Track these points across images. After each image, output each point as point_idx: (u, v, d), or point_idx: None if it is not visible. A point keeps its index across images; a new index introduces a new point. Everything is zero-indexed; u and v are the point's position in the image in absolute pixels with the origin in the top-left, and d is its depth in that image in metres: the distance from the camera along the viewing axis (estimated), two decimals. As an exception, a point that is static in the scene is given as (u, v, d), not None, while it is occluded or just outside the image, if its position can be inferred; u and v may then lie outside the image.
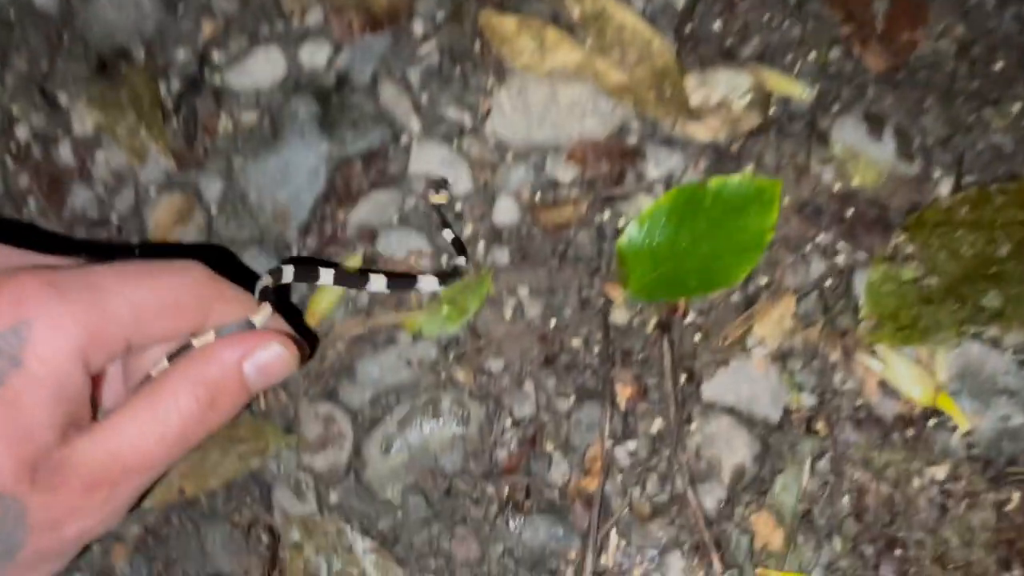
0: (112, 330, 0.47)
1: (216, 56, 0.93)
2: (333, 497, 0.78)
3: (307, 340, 0.64)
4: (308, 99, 0.89)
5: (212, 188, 0.86)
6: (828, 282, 0.83)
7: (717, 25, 0.94)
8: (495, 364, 0.81)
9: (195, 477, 0.77)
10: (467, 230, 0.86)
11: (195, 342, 0.54)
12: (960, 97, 0.90)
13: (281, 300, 0.77)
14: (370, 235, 0.86)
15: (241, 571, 0.75)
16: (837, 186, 0.87)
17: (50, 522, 0.46)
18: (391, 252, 0.85)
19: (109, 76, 0.90)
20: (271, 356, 0.53)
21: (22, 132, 0.88)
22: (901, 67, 0.92)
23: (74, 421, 0.47)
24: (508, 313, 0.83)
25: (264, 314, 0.58)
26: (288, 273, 0.68)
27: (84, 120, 0.89)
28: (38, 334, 0.44)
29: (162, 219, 0.85)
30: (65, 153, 0.88)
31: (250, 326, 0.56)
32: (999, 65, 0.92)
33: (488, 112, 0.90)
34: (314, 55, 0.92)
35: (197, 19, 0.94)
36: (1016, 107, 0.90)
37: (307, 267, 0.72)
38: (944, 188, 0.86)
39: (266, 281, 0.63)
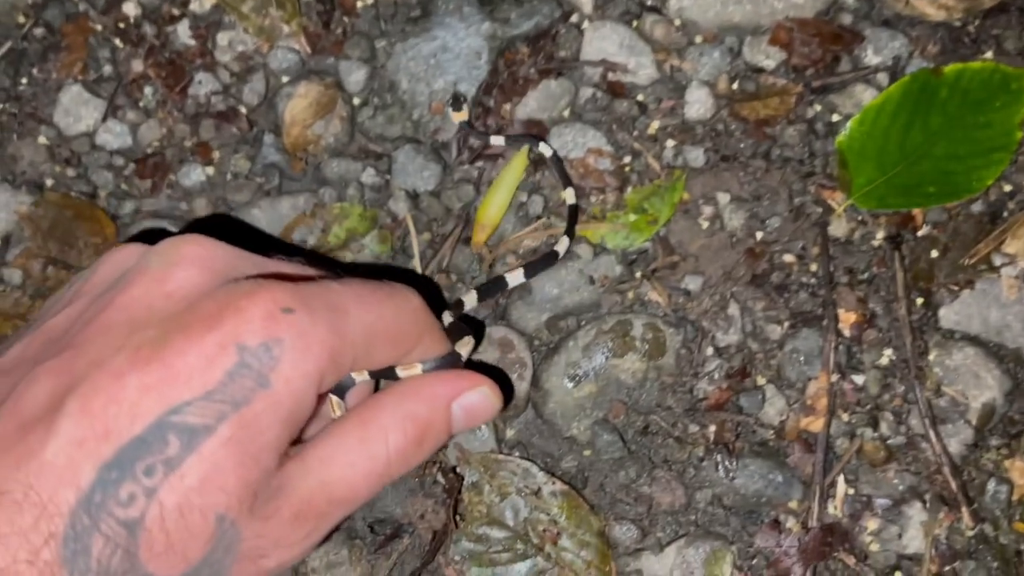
0: (348, 353, 0.45)
1: (348, -81, 0.78)
2: (510, 433, 0.68)
3: (502, 383, 0.58)
4: (461, -31, 0.75)
5: (355, 76, 0.74)
6: (1091, 190, 0.70)
7: None
8: (692, 282, 0.69)
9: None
10: (654, 125, 0.73)
11: (400, 372, 0.51)
12: None
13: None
14: (540, 131, 0.73)
15: (416, 515, 0.66)
16: (1099, 75, 0.72)
17: (257, 551, 0.43)
18: (566, 151, 0.72)
19: (228, -57, 0.76)
20: (479, 399, 0.51)
21: (130, 8, 0.76)
22: None
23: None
24: (705, 223, 0.71)
25: (469, 346, 0.55)
26: (471, 299, 0.67)
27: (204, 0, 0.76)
28: (287, 355, 0.41)
29: (298, 112, 0.73)
30: (183, 33, 0.75)
31: (456, 359, 0.54)
32: None
33: (672, -15, 0.76)
34: (463, -80, 0.78)
35: None
36: None
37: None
38: None
39: (449, 317, 0.62)
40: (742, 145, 0.73)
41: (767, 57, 0.75)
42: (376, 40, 0.76)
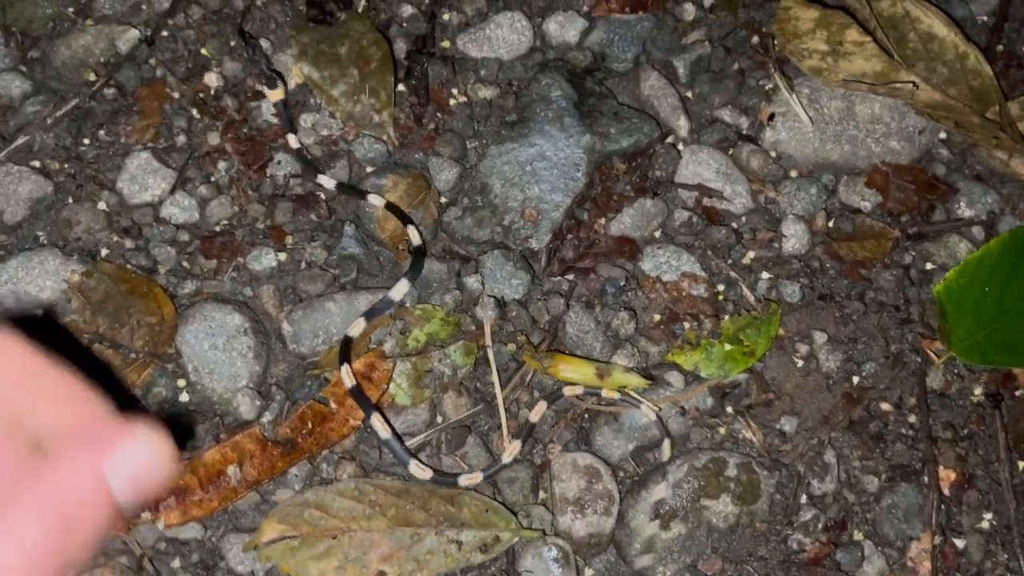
0: None
1: (447, 16, 0.77)
2: (590, 573, 0.62)
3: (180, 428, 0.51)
4: (560, 79, 0.74)
5: (445, 174, 0.71)
6: None
7: (1027, 47, 0.81)
8: (788, 424, 0.66)
9: (399, 561, 0.60)
10: (749, 255, 0.71)
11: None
12: None
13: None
14: (631, 251, 0.70)
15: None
16: None
17: None
18: (658, 272, 0.69)
19: (322, 23, 0.74)
20: (143, 456, 0.38)
21: (212, 79, 0.72)
22: None
23: None
24: (800, 361, 0.69)
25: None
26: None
27: (290, 73, 0.73)
28: None
29: (383, 206, 0.69)
30: (265, 110, 0.72)
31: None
32: None
33: (770, 119, 0.75)
34: (564, 28, 0.78)
35: (424, -30, 0.79)
36: None
37: None
38: None
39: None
40: (837, 285, 0.71)
41: (863, 199, 0.75)
42: (468, 140, 0.73)
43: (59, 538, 0.38)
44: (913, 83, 0.75)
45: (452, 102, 0.76)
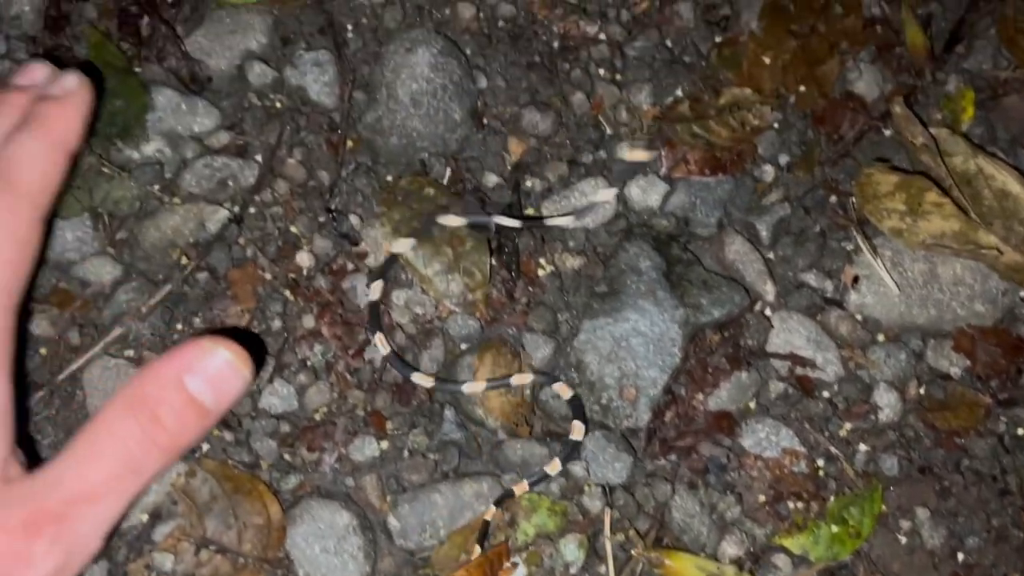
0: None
1: (530, 182, 0.78)
2: None
3: (254, 348, 0.58)
4: (647, 247, 0.75)
5: (541, 351, 0.71)
6: None
7: (1096, 200, 0.82)
8: (897, 606, 0.66)
9: None
10: (846, 427, 0.72)
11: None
12: None
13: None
14: (728, 425, 0.70)
15: None
16: None
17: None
18: (759, 450, 0.69)
19: (411, 199, 0.74)
20: (217, 365, 0.48)
21: (304, 258, 0.72)
22: None
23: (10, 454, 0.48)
24: (903, 538, 0.70)
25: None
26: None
27: (380, 251, 0.73)
28: None
29: (482, 385, 0.69)
30: (360, 290, 0.71)
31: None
32: None
33: (855, 282, 0.76)
34: (646, 193, 0.79)
35: (505, 136, 0.79)
36: None
37: None
38: None
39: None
40: (934, 455, 0.72)
41: (952, 363, 0.75)
42: (559, 312, 0.73)
43: (147, 427, 0.47)
44: (994, 248, 0.76)
45: (541, 273, 0.76)
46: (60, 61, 0.70)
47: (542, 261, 0.77)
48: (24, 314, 0.59)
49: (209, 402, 0.49)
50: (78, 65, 0.66)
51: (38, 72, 0.62)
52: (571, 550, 0.66)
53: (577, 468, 0.69)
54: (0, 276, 0.51)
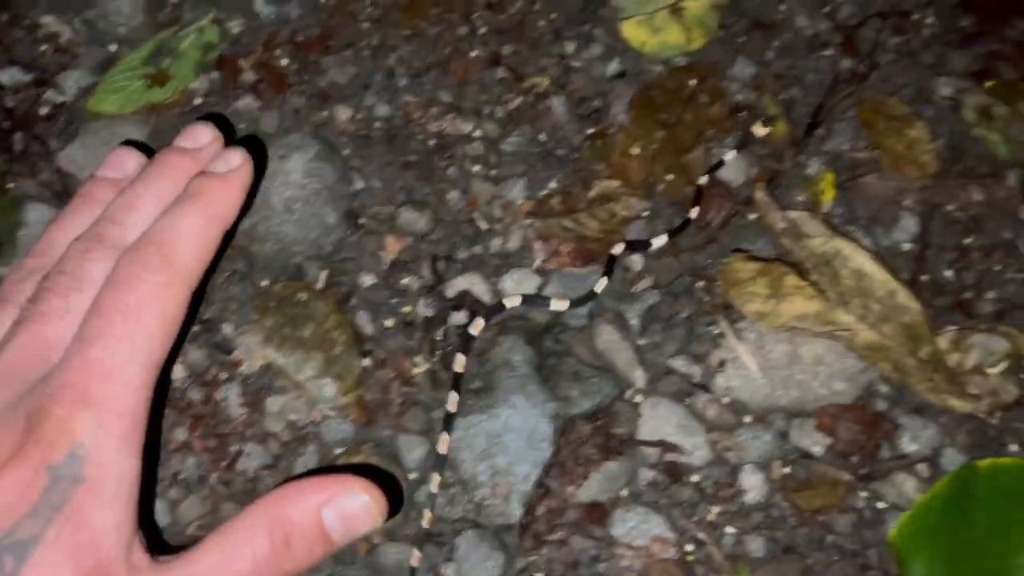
0: (142, 406, 0.52)
1: (406, 280, 0.80)
2: None
3: (393, 493, 0.62)
4: (520, 342, 0.77)
5: (415, 452, 0.73)
6: (1123, 591, 0.74)
7: (948, 274, 0.88)
8: None
9: None
10: (714, 511, 0.74)
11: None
12: None
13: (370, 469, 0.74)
14: (600, 516, 0.73)
15: None
16: (1112, 473, 0.79)
17: None
18: (629, 539, 0.72)
19: (285, 304, 0.76)
20: (355, 506, 0.52)
21: (177, 371, 0.73)
22: None
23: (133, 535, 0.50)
24: (771, 621, 0.71)
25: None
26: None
27: (253, 358, 0.74)
28: (93, 451, 0.48)
29: (354, 489, 0.70)
30: (234, 401, 0.73)
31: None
32: None
33: (720, 365, 0.80)
34: (519, 285, 0.82)
35: (381, 236, 0.82)
36: None
37: None
38: None
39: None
40: (798, 534, 0.75)
41: (814, 442, 0.79)
42: (434, 411, 0.75)
43: (279, 548, 0.50)
44: (847, 329, 0.80)
45: (416, 371, 0.78)
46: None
47: (418, 360, 0.79)
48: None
49: (337, 537, 0.52)
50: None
51: (202, 135, 0.64)
52: (442, 654, 0.67)
53: (449, 571, 0.70)
54: (142, 349, 0.52)
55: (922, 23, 1.03)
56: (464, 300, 0.80)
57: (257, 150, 0.83)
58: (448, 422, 0.74)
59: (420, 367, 0.78)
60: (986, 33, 1.03)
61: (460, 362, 0.77)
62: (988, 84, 0.99)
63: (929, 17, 1.03)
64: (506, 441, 0.75)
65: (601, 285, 0.81)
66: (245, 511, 0.52)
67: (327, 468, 0.72)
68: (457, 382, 0.76)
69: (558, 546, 0.73)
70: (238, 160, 0.63)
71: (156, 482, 0.70)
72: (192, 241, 0.57)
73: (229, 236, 0.61)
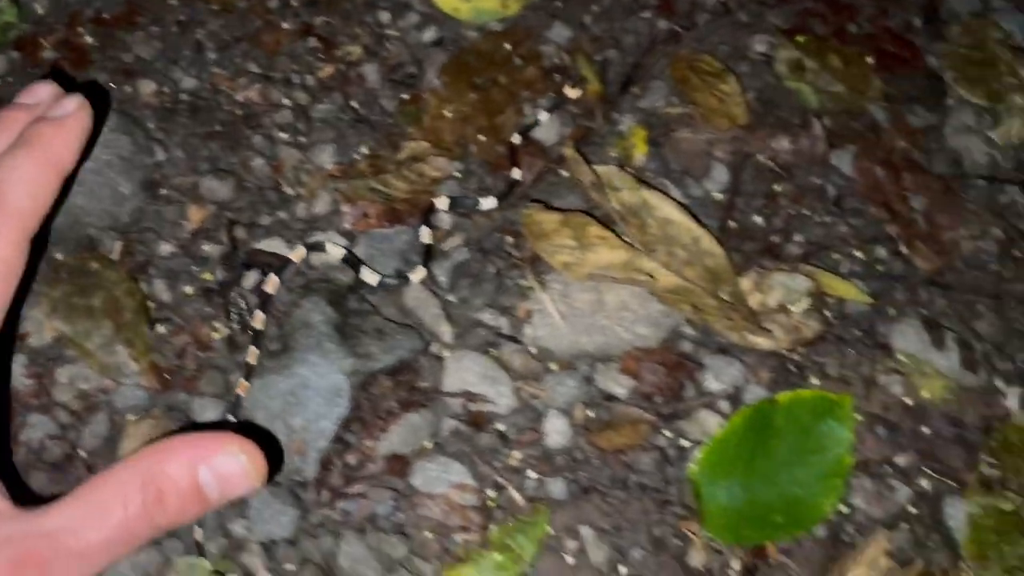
0: None
1: (207, 247, 0.80)
2: None
3: (273, 453, 0.61)
4: (321, 302, 0.77)
5: (207, 413, 0.72)
6: (915, 511, 0.77)
7: (758, 219, 0.90)
8: (561, 625, 0.69)
9: None
10: (515, 456, 0.75)
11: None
12: (1010, 300, 0.89)
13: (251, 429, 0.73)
14: (401, 468, 0.73)
15: None
16: (907, 400, 0.82)
17: None
18: (429, 488, 0.72)
19: (75, 275, 0.75)
20: (232, 465, 0.51)
21: (-39, 346, 0.72)
22: (948, 267, 0.90)
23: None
24: (571, 559, 0.73)
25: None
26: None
27: (42, 330, 0.73)
28: None
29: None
30: (18, 371, 0.72)
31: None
32: (1039, 266, 0.91)
33: (527, 316, 0.81)
34: (326, 248, 0.81)
35: (183, 205, 0.82)
36: (1064, 311, 0.89)
37: None
38: (1012, 400, 0.84)
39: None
40: (601, 475, 0.76)
41: (618, 385, 0.80)
42: (231, 374, 0.75)
43: (151, 504, 0.48)
44: (649, 275, 0.82)
45: (215, 336, 0.78)
46: None
47: (216, 324, 0.78)
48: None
49: (213, 496, 0.51)
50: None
51: (42, 91, 0.63)
52: (226, 611, 0.67)
53: (238, 527, 0.70)
54: None
55: (738, -16, 1.06)
56: (257, 260, 0.80)
57: (99, 97, 0.83)
58: (248, 372, 0.75)
59: (219, 332, 0.78)
60: (800, -9, 1.06)
61: (259, 319, 0.77)
62: (800, 39, 1.02)
63: (745, -22, 1.06)
64: (303, 399, 0.75)
65: (425, 234, 0.82)
66: (119, 465, 0.50)
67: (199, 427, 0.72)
68: (257, 338, 0.76)
69: (355, 499, 0.73)
70: (74, 105, 0.62)
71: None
72: (25, 186, 0.57)
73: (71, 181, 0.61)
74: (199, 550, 0.69)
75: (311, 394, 0.75)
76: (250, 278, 0.79)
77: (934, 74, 1.02)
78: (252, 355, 0.75)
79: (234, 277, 0.79)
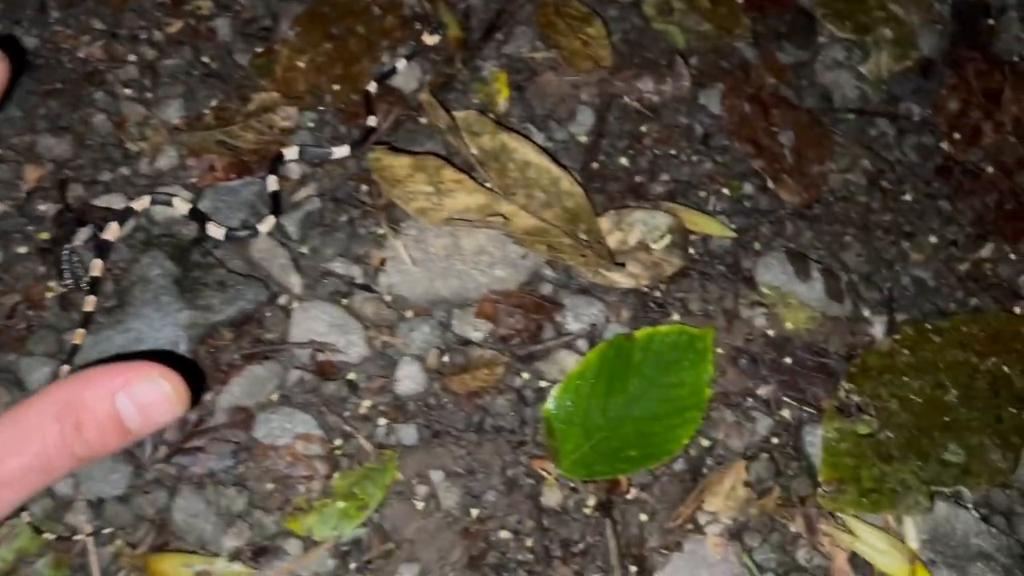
0: None
1: (43, 208, 0.77)
2: None
3: (195, 380, 0.59)
4: (161, 257, 0.75)
5: (37, 375, 0.70)
6: (776, 440, 0.77)
7: (624, 161, 0.89)
8: (407, 571, 0.68)
9: None
10: (365, 404, 0.73)
11: None
12: (877, 231, 0.89)
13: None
14: (244, 420, 0.71)
15: None
16: (770, 332, 0.81)
17: None
18: (272, 439, 0.70)
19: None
20: (153, 393, 0.49)
21: None
22: (816, 201, 0.90)
23: None
24: (420, 504, 0.71)
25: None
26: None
27: None
28: None
29: None
30: None
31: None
32: (908, 196, 0.92)
33: (382, 264, 0.79)
34: (169, 204, 0.79)
35: (19, 165, 0.79)
36: (931, 239, 0.89)
37: None
38: (878, 328, 0.83)
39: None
40: (453, 419, 0.74)
41: (475, 329, 0.79)
42: (65, 332, 0.73)
43: (69, 432, 0.46)
44: (503, 216, 0.81)
45: (48, 295, 0.75)
46: None
47: (51, 284, 0.76)
48: None
49: (134, 426, 0.49)
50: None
51: None
52: (48, 571, 0.65)
53: (64, 487, 0.68)
54: None
55: (607, -71, 1.04)
56: (93, 216, 0.77)
57: (15, 50, 0.81)
58: (85, 320, 0.73)
59: (53, 291, 0.76)
60: (670, -66, 1.05)
61: (98, 267, 0.75)
62: (669, -20, 1.01)
63: (615, -77, 1.05)
64: (139, 355, 0.72)
65: (272, 183, 0.80)
66: (36, 395, 0.49)
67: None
68: (94, 287, 0.74)
69: (193, 454, 0.71)
70: None
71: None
72: None
73: None
74: (20, 508, 0.66)
75: (146, 348, 0.73)
76: (83, 234, 0.77)
77: (804, 11, 1.02)
78: (90, 303, 0.73)
79: (65, 234, 0.77)
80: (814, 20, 1.01)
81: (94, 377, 0.49)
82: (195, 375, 0.73)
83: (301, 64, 0.89)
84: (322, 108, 0.88)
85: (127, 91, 0.86)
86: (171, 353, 0.73)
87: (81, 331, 0.72)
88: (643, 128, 0.92)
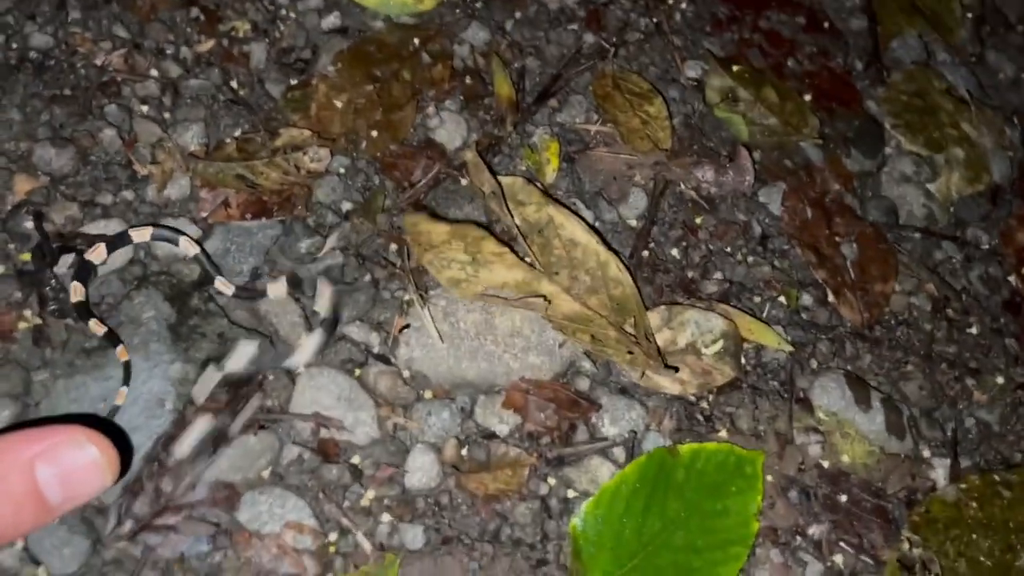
0: None
1: (28, 224, 0.69)
2: None
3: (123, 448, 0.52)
4: (157, 297, 0.67)
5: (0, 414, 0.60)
6: (827, 590, 0.68)
7: (675, 252, 0.83)
8: None
9: None
10: (368, 495, 0.64)
11: None
12: (941, 363, 0.82)
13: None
14: (228, 498, 0.62)
15: None
16: (825, 463, 0.74)
17: None
18: (257, 525, 0.61)
19: None
20: (79, 460, 0.42)
21: None
22: (877, 322, 0.83)
23: None
24: (420, 623, 0.61)
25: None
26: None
27: None
28: None
29: None
30: None
31: None
32: (974, 329, 0.86)
33: (402, 331, 0.71)
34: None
35: (9, 173, 0.71)
36: (998, 380, 0.82)
37: None
38: (939, 472, 0.76)
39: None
40: (468, 523, 0.65)
41: (501, 421, 0.70)
42: (35, 372, 0.63)
43: None
44: (544, 297, 0.73)
45: (21, 326, 0.66)
46: None
47: (27, 313, 0.67)
48: None
49: (55, 499, 0.41)
50: None
51: None
52: (-30, 661, 0.54)
53: (8, 557, 0.58)
54: None
55: (676, 6, 1.00)
56: (76, 240, 0.69)
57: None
58: (126, 374, 0.64)
59: (27, 321, 0.66)
60: (739, 21, 1.01)
61: (78, 291, 0.66)
62: (736, 68, 0.96)
63: (683, 2, 1.01)
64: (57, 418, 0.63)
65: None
66: None
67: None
68: (80, 311, 0.65)
69: (164, 532, 0.61)
70: None
71: None
72: None
73: None
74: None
75: (128, 400, 0.63)
76: (68, 262, 0.68)
77: (873, 119, 0.97)
78: (97, 327, 0.65)
79: (48, 262, 0.68)
80: (882, 129, 0.96)
81: (11, 443, 0.41)
82: (124, 443, 0.63)
83: (338, 104, 0.82)
84: (356, 154, 0.81)
85: (143, 108, 0.78)
86: (95, 416, 0.63)
87: (123, 389, 0.63)
88: (698, 220, 0.86)
